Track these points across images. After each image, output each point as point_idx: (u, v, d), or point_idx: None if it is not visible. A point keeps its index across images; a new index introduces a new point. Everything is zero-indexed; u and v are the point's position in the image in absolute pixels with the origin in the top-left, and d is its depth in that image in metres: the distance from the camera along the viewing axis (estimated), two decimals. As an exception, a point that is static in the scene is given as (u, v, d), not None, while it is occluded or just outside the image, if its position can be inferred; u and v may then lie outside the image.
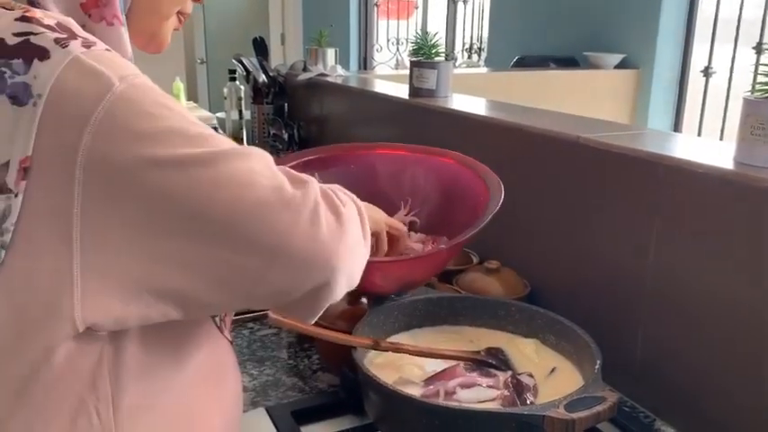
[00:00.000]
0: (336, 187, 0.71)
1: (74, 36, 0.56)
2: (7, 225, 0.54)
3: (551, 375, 0.93)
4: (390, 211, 1.13)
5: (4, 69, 0.53)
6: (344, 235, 0.63)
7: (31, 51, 0.54)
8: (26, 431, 0.60)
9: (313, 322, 0.69)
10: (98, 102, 0.53)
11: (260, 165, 0.59)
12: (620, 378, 1.01)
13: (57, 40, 0.54)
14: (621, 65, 2.93)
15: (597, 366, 0.85)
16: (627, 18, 2.95)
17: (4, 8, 0.58)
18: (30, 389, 0.59)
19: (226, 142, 0.59)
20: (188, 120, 0.58)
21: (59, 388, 0.60)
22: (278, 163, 1.01)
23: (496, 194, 0.98)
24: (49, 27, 0.56)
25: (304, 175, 0.63)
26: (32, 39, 0.54)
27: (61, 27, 0.57)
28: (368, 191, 1.14)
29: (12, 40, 0.54)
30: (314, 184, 0.63)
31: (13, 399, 0.60)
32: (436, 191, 1.12)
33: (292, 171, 0.63)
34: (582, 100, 2.76)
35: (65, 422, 0.61)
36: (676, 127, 3.00)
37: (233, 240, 0.57)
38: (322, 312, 0.67)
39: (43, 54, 0.53)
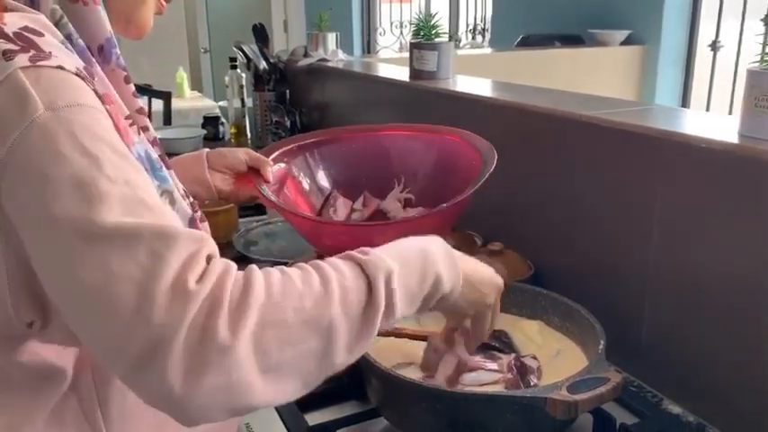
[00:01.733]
0: (288, 278, 0.54)
1: (28, 48, 0.53)
2: None
3: (556, 357, 0.92)
4: (386, 190, 1.13)
5: None
6: (204, 371, 0.48)
7: None
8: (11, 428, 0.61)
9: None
10: (17, 127, 0.50)
11: (144, 253, 0.49)
12: (627, 358, 1.00)
13: (4, 53, 0.52)
14: (627, 41, 2.89)
15: (601, 347, 0.84)
16: (632, -7, 2.90)
17: None
18: (7, 384, 0.61)
19: (130, 212, 0.50)
20: (104, 171, 0.51)
21: (41, 383, 0.61)
22: (268, 152, 0.97)
23: (489, 158, 0.97)
24: (5, 36, 0.53)
25: (202, 277, 0.50)
26: None
27: (21, 36, 0.54)
28: (364, 171, 1.15)
29: None
30: (196, 294, 0.49)
31: None
32: (431, 166, 1.10)
33: (192, 271, 0.50)
34: (588, 78, 2.72)
35: (50, 418, 0.62)
36: (684, 103, 2.96)
37: (83, 320, 0.51)
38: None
39: None
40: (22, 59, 0.52)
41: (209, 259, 0.52)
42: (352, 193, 1.14)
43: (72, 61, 0.55)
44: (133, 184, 0.52)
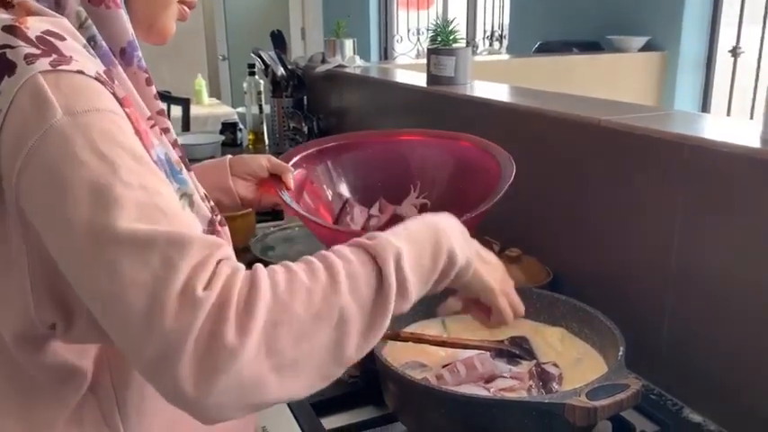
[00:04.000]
0: (295, 275, 0.54)
1: (49, 52, 0.53)
2: None
3: (577, 364, 0.91)
4: (402, 196, 1.12)
5: None
6: (216, 374, 0.49)
7: (2, 66, 0.52)
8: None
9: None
10: (36, 131, 0.51)
11: (156, 259, 0.49)
12: (647, 365, 0.99)
13: (26, 57, 0.52)
14: (646, 47, 2.87)
15: (621, 353, 0.83)
16: (651, 0, 2.88)
17: (6, 3, 0.57)
18: (29, 386, 0.61)
19: (145, 217, 0.51)
20: (119, 175, 0.51)
21: (61, 386, 0.62)
22: (288, 157, 0.98)
23: (508, 170, 0.96)
24: (28, 40, 0.53)
25: (209, 283, 0.50)
26: (8, 53, 0.53)
27: (43, 40, 0.54)
28: (380, 176, 1.15)
29: None
30: (205, 301, 0.49)
31: (12, 396, 0.62)
32: (449, 173, 1.10)
33: (201, 278, 0.50)
34: (606, 84, 2.71)
35: (70, 419, 0.63)
36: (704, 108, 2.93)
37: (102, 320, 0.52)
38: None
39: (11, 70, 0.52)
40: (43, 63, 0.52)
41: (218, 264, 0.52)
42: (369, 198, 1.14)
43: (92, 65, 0.56)
44: (150, 190, 0.52)
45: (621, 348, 0.84)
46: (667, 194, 0.98)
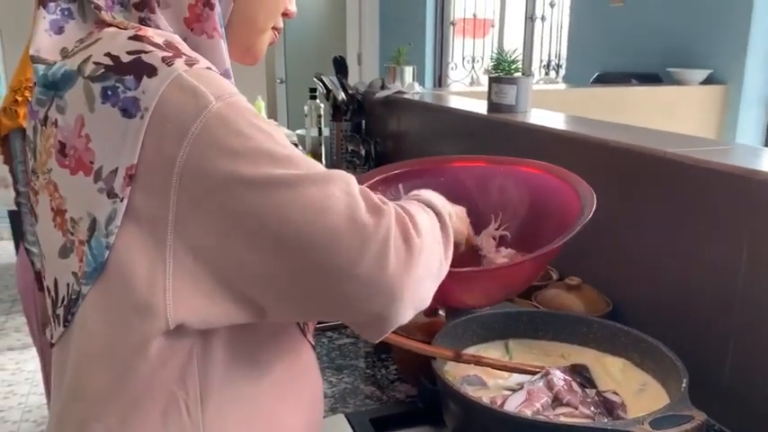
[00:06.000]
0: (418, 207, 0.73)
1: (179, 54, 0.60)
2: (112, 227, 0.59)
3: (638, 394, 0.91)
4: (481, 225, 1.08)
5: (117, 85, 0.58)
6: (413, 267, 0.64)
7: (141, 68, 0.58)
8: (121, 420, 0.64)
9: (378, 341, 0.70)
10: (196, 118, 0.57)
11: (338, 190, 0.61)
12: (708, 399, 0.97)
13: (164, 59, 0.59)
14: (707, 81, 2.83)
15: (684, 385, 0.82)
16: (713, 33, 2.85)
17: (118, 27, 0.63)
18: (126, 380, 0.63)
19: (311, 165, 0.61)
20: (277, 141, 0.60)
21: (152, 381, 0.64)
22: (365, 179, 1.05)
23: (588, 205, 0.95)
24: (157, 46, 0.60)
25: (382, 202, 0.64)
26: (143, 57, 0.59)
27: (169, 45, 0.61)
28: (458, 203, 1.12)
29: (126, 58, 0.59)
30: (389, 212, 0.63)
31: (110, 388, 0.64)
32: (526, 203, 1.08)
33: (372, 196, 0.64)
34: (666, 117, 2.68)
35: (157, 414, 0.64)
36: (767, 144, 2.87)
37: (304, 261, 0.60)
38: (388, 333, 0.68)
39: (152, 71, 0.58)
40: (181, 63, 0.59)
41: None
42: None
43: (212, 66, 0.64)
44: (293, 148, 0.62)
45: (685, 380, 0.83)
46: (733, 227, 0.98)
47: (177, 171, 0.57)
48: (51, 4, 0.65)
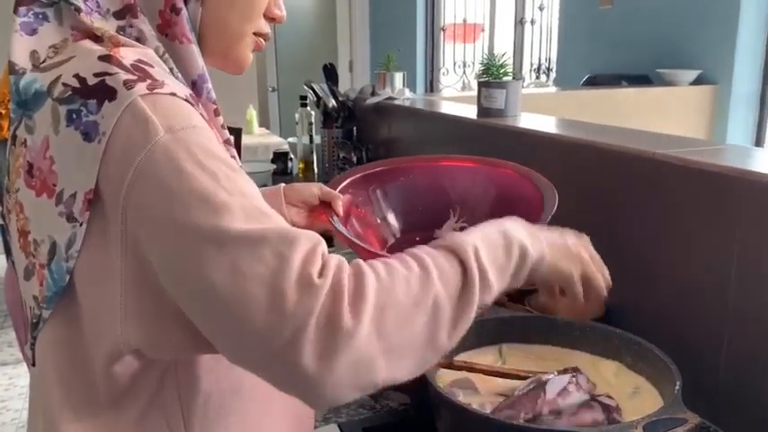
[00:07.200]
0: (392, 268, 0.58)
1: (144, 78, 0.58)
2: (72, 252, 0.58)
3: (632, 397, 0.90)
4: (443, 220, 1.12)
5: (81, 108, 0.57)
6: (336, 353, 0.53)
7: (103, 92, 0.57)
8: None
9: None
10: (142, 149, 0.55)
11: (270, 253, 0.53)
12: (702, 402, 0.97)
13: (125, 82, 0.57)
14: (697, 81, 2.84)
15: (677, 388, 0.82)
16: (702, 33, 2.86)
17: (95, 36, 0.62)
18: (97, 397, 0.63)
19: (251, 217, 0.55)
20: (220, 184, 0.55)
21: (130, 399, 0.64)
22: (340, 180, 1.00)
23: (550, 200, 0.95)
24: (124, 68, 0.58)
25: (321, 272, 0.54)
26: (107, 80, 0.57)
27: (137, 67, 0.59)
28: (422, 201, 1.15)
29: (91, 81, 0.57)
30: (320, 288, 0.53)
31: (85, 405, 0.64)
32: (489, 199, 1.10)
33: (313, 265, 0.54)
34: (656, 118, 2.68)
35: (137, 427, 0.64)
36: (758, 143, 2.88)
37: (219, 324, 0.55)
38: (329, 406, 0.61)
39: (112, 95, 0.56)
40: (141, 88, 0.57)
41: (323, 255, 0.56)
42: (410, 222, 1.15)
43: (181, 89, 0.61)
44: (248, 195, 0.57)
45: (678, 383, 0.83)
46: (724, 228, 0.97)
47: (122, 200, 0.56)
48: (22, 9, 0.63)
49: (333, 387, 0.53)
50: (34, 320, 0.62)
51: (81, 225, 0.57)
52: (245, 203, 0.56)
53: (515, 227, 0.67)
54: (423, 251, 0.61)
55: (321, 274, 0.54)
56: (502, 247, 0.64)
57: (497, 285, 0.62)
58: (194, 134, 0.57)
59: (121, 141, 0.56)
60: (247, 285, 0.52)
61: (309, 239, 0.56)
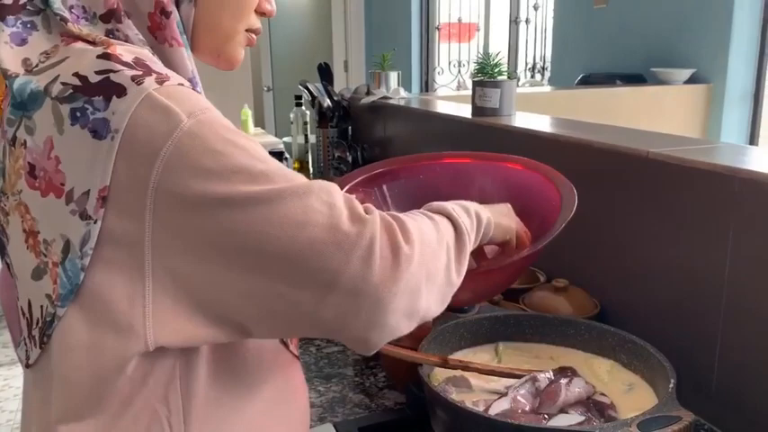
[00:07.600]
0: (417, 215, 0.69)
1: (149, 72, 0.59)
2: (86, 249, 0.57)
3: (626, 394, 0.90)
4: None
5: (86, 106, 0.56)
6: (402, 275, 0.61)
7: (110, 89, 0.57)
8: None
9: (371, 355, 0.67)
10: (167, 138, 0.55)
11: (318, 202, 0.59)
12: (697, 400, 0.97)
13: (133, 78, 0.57)
14: (691, 80, 2.85)
15: (671, 385, 0.82)
16: (696, 33, 2.87)
17: (86, 41, 0.62)
18: (105, 398, 0.62)
19: (289, 178, 0.59)
20: (253, 156, 0.58)
21: (134, 399, 0.63)
22: (346, 180, 1.02)
23: (569, 201, 0.95)
24: (126, 64, 0.58)
25: (366, 211, 0.62)
26: (112, 76, 0.57)
27: (138, 63, 0.59)
28: (437, 200, 1.14)
29: (94, 78, 0.57)
30: (373, 220, 0.61)
31: (90, 407, 0.63)
32: (506, 199, 1.09)
33: (356, 205, 0.61)
34: (651, 117, 2.69)
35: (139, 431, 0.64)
36: (752, 141, 2.89)
37: (285, 276, 0.59)
38: (381, 345, 0.65)
39: (121, 91, 0.56)
40: (151, 82, 0.57)
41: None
42: None
43: (183, 80, 0.62)
44: (271, 161, 0.60)
45: (672, 380, 0.83)
46: (717, 226, 0.98)
47: (151, 193, 0.56)
48: (10, 18, 0.63)
49: (394, 312, 0.61)
50: (48, 318, 0.61)
51: (96, 222, 0.57)
52: (276, 167, 0.60)
53: (466, 203, 0.79)
54: (418, 212, 0.71)
55: (366, 210, 0.62)
56: (465, 212, 0.76)
57: (474, 241, 0.76)
58: (213, 115, 0.59)
59: (141, 135, 0.56)
60: (308, 231, 0.57)
61: (338, 189, 0.62)
